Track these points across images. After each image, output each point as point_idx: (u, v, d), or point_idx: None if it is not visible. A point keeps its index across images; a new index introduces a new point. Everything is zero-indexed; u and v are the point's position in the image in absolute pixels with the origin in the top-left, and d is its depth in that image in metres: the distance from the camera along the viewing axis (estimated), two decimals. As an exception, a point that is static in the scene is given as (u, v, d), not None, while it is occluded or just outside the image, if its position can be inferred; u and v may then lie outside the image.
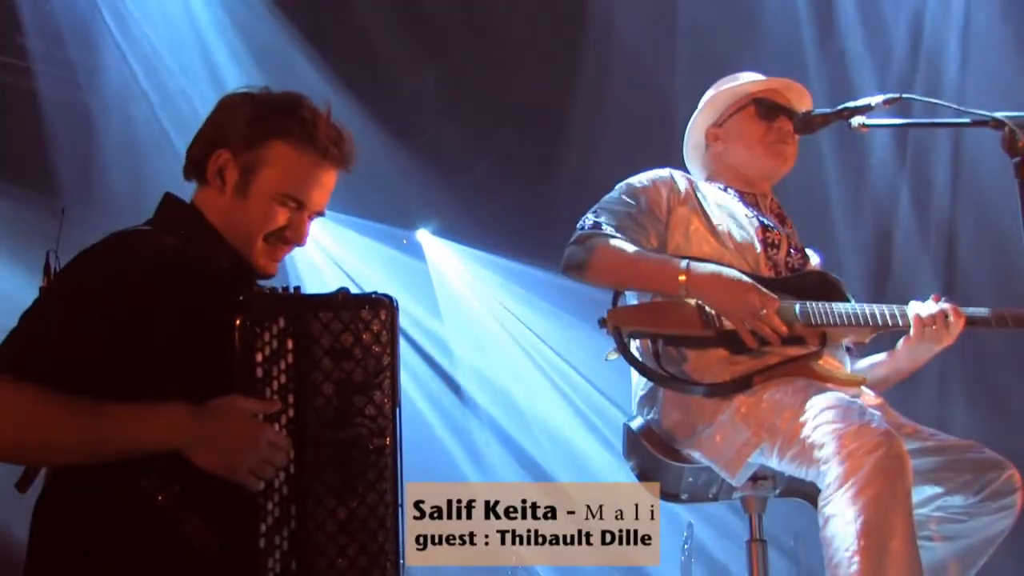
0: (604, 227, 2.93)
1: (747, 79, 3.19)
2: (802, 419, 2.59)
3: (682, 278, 2.79)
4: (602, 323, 2.89)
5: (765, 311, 2.76)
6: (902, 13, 5.87)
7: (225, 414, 1.93)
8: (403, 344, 7.33)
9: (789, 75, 3.22)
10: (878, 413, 2.60)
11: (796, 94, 3.18)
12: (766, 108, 3.12)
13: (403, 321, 7.45)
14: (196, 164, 2.24)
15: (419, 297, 7.73)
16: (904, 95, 2.68)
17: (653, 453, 2.88)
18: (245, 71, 6.20)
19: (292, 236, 2.24)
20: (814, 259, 3.20)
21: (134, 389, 1.95)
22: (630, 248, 2.88)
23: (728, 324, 2.82)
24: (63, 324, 1.96)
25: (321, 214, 2.29)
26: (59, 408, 1.89)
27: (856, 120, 2.65)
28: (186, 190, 2.32)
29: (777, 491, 2.88)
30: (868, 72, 5.87)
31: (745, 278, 2.81)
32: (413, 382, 7.42)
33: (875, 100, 2.64)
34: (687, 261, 2.83)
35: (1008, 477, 2.73)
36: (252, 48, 6.24)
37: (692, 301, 2.86)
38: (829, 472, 2.50)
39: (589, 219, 2.97)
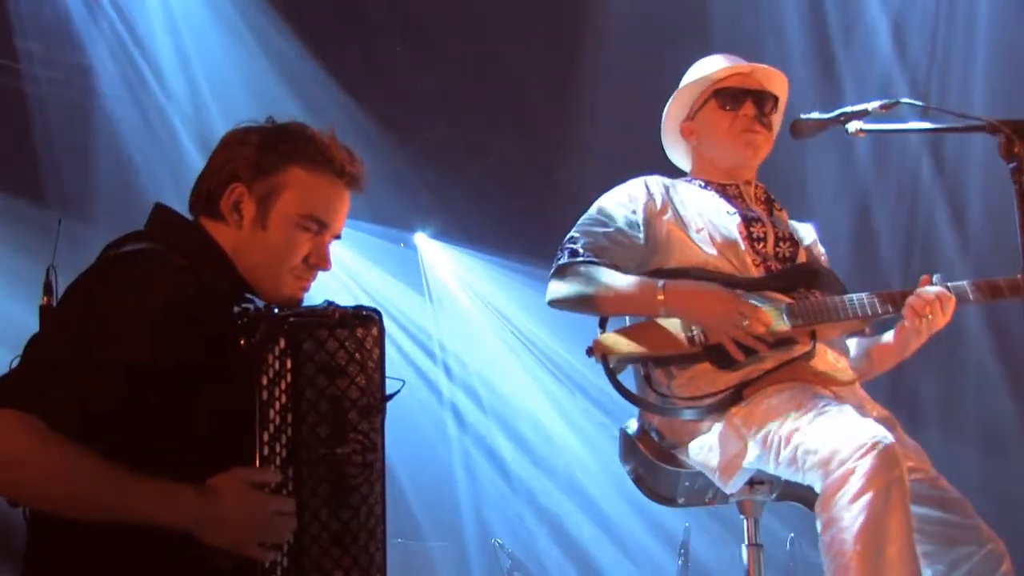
0: (582, 254, 2.93)
1: (711, 68, 3.14)
2: (796, 424, 2.59)
3: (660, 298, 2.80)
4: (590, 352, 2.91)
5: (747, 322, 2.76)
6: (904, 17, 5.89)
7: (227, 493, 1.92)
8: (400, 346, 7.38)
9: (788, 76, 3.20)
10: (871, 417, 2.60)
11: (764, 75, 3.14)
12: (729, 97, 3.09)
13: (401, 324, 7.51)
14: (207, 201, 2.20)
15: (416, 300, 7.73)
16: (900, 100, 2.68)
17: (649, 458, 2.88)
18: (243, 72, 6.20)
19: (317, 261, 2.22)
20: (809, 235, 3.18)
21: (144, 421, 1.95)
22: (608, 275, 2.89)
23: (713, 338, 2.82)
24: (88, 368, 1.93)
25: (338, 237, 2.27)
26: (90, 471, 1.88)
27: (853, 125, 2.65)
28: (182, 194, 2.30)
29: (774, 495, 2.88)
30: (867, 74, 5.88)
31: (723, 290, 2.81)
32: (411, 385, 7.41)
33: (872, 105, 2.64)
34: (663, 281, 2.83)
35: (988, 552, 2.67)
36: (250, 50, 6.24)
37: (676, 319, 2.87)
38: (825, 477, 2.50)
39: (567, 248, 2.98)
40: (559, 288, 2.95)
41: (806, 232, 3.21)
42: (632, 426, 2.98)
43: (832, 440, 2.51)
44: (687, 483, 2.90)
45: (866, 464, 2.44)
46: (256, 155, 2.18)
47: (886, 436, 2.49)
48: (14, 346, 2.00)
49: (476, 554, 6.69)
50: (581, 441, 7.28)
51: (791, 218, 3.21)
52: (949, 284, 2.88)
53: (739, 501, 2.88)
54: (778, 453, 2.61)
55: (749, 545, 2.87)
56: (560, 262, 2.96)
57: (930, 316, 2.83)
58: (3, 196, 5.63)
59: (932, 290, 2.86)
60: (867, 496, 2.42)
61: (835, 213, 5.91)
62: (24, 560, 2.00)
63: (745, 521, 2.88)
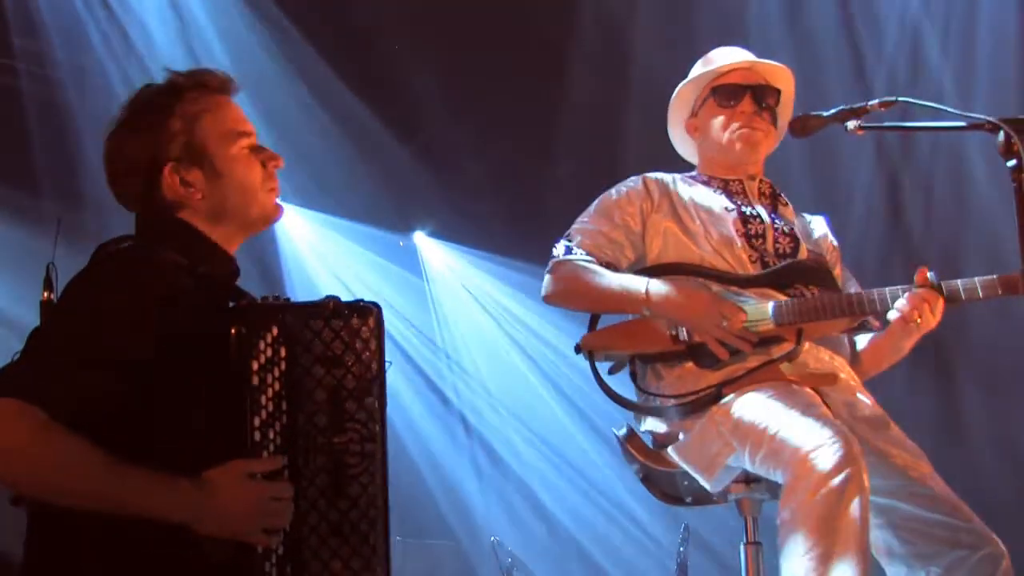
0: (575, 251, 2.98)
1: (711, 64, 3.14)
2: (764, 425, 2.62)
3: (643, 297, 2.83)
4: (577, 349, 2.96)
5: (727, 323, 2.77)
6: (899, 14, 5.89)
7: (223, 484, 1.93)
8: (400, 346, 7.39)
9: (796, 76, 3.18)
10: (836, 420, 2.58)
11: (765, 69, 3.12)
12: (726, 94, 3.09)
13: (400, 323, 7.51)
14: (149, 201, 2.21)
15: (415, 299, 7.73)
16: (899, 98, 2.68)
17: (639, 460, 2.91)
18: (242, 72, 6.17)
19: (269, 158, 2.29)
20: (819, 229, 3.16)
21: (143, 414, 1.96)
22: (597, 273, 2.92)
23: (697, 337, 2.84)
24: (88, 363, 1.94)
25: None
26: (88, 461, 1.89)
27: (852, 123, 2.65)
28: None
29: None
30: (868, 74, 5.89)
31: (706, 290, 2.82)
32: (409, 384, 7.43)
33: (871, 103, 2.65)
34: (647, 280, 2.86)
35: (986, 555, 2.63)
36: (249, 48, 6.23)
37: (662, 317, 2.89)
38: (785, 478, 2.53)
39: (562, 245, 3.02)
40: (552, 284, 3.00)
41: (817, 225, 3.19)
42: (622, 429, 3.01)
43: (793, 440, 2.53)
44: (686, 483, 2.90)
45: (822, 463, 2.45)
46: (160, 133, 2.20)
47: (844, 436, 2.49)
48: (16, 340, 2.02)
49: (475, 552, 6.69)
50: (585, 439, 7.28)
51: (802, 212, 3.20)
52: (942, 283, 2.82)
53: (737, 499, 2.88)
54: (752, 452, 2.64)
55: (748, 543, 2.87)
56: (555, 259, 3.01)
57: (919, 320, 2.78)
58: (2, 194, 5.62)
59: (919, 292, 2.80)
60: (821, 493, 2.43)
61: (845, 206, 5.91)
62: (24, 557, 2.00)
63: (744, 519, 2.89)
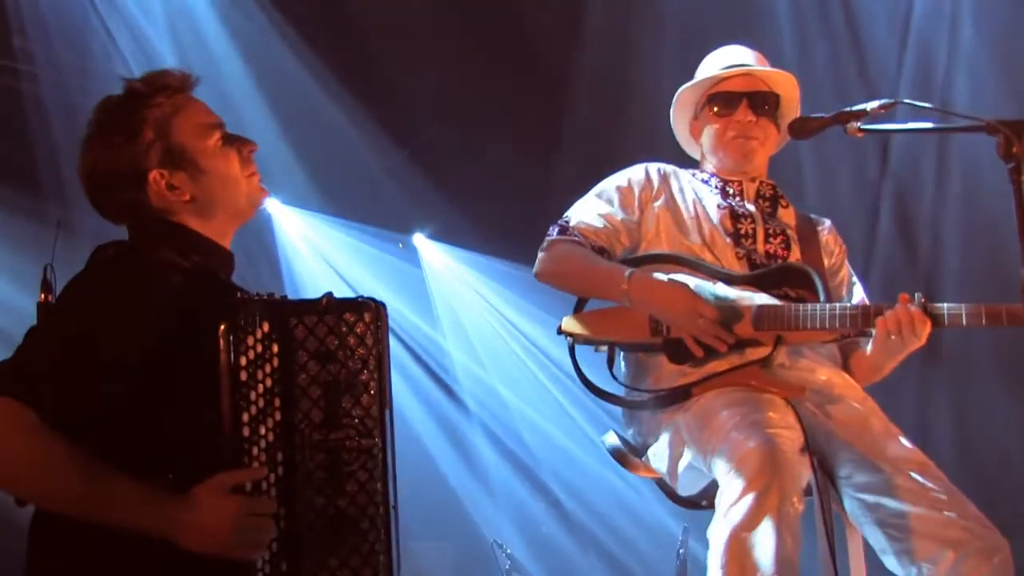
0: (571, 231, 2.99)
1: (710, 70, 3.15)
2: (712, 434, 2.62)
3: (624, 287, 2.82)
4: (559, 331, 2.97)
5: (702, 320, 2.76)
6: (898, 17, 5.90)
7: (204, 500, 1.92)
8: (399, 347, 7.40)
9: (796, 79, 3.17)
10: (773, 433, 2.54)
11: (764, 73, 3.11)
12: (722, 101, 3.08)
13: (399, 325, 7.52)
14: (137, 209, 2.22)
15: (415, 301, 7.73)
16: (899, 100, 2.68)
17: (633, 472, 2.93)
18: (242, 73, 6.20)
19: (243, 145, 2.32)
20: (823, 233, 3.14)
21: (136, 415, 1.97)
22: (585, 256, 2.93)
23: (675, 332, 2.84)
24: (82, 365, 1.95)
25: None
26: (75, 468, 1.89)
27: (851, 125, 2.64)
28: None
29: None
30: (865, 76, 5.89)
31: (687, 287, 2.80)
32: (409, 386, 7.43)
33: (871, 105, 2.64)
34: (630, 270, 2.85)
35: (981, 548, 2.55)
36: (249, 49, 6.24)
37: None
38: (720, 484, 2.53)
39: (559, 223, 3.04)
40: (542, 262, 3.02)
41: (824, 227, 3.18)
42: (609, 438, 3.02)
43: (720, 458, 2.53)
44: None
45: (731, 488, 2.45)
46: (135, 143, 2.20)
47: (758, 455, 2.46)
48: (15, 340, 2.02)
49: (475, 553, 6.69)
50: (585, 442, 7.28)
51: (809, 214, 3.19)
52: (926, 304, 2.72)
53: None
54: (705, 459, 2.64)
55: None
56: (549, 237, 3.02)
57: (899, 336, 2.71)
58: (2, 194, 5.63)
59: (906, 310, 2.71)
60: (727, 518, 2.43)
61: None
62: (26, 556, 2.00)
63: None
